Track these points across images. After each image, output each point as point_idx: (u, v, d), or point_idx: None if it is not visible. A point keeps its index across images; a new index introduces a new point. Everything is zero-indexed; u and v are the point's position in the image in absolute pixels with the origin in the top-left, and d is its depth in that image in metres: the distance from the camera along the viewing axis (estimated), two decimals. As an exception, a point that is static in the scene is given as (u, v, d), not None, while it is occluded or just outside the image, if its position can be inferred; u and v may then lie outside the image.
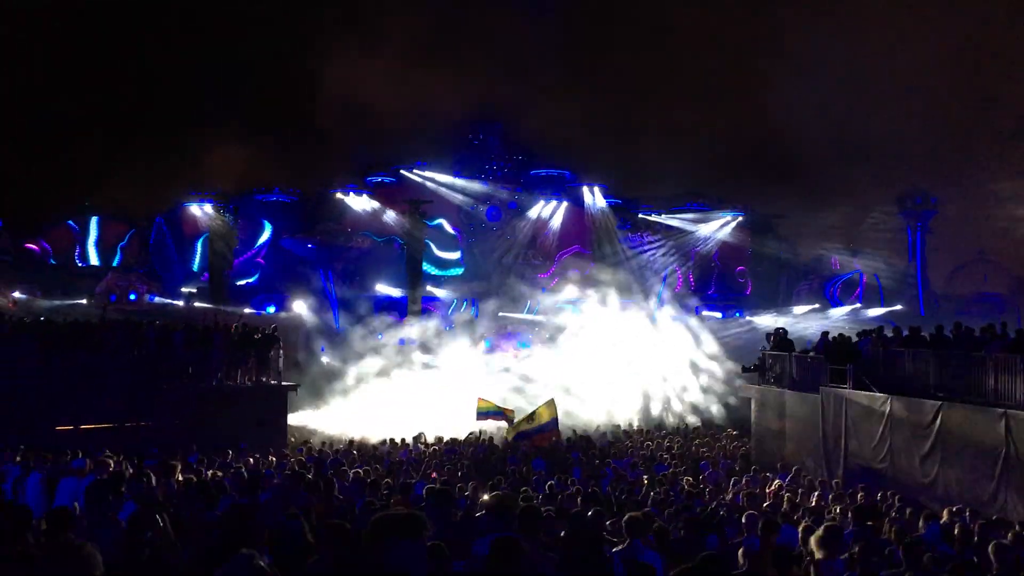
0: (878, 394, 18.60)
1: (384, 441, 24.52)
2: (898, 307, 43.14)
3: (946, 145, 41.44)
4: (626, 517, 7.36)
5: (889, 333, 21.56)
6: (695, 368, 37.16)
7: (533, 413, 21.89)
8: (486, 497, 9.93)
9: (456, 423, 26.72)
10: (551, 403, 21.78)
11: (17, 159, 41.43)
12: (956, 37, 39.42)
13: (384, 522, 3.36)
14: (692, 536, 8.85)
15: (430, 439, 24.68)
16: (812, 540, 7.38)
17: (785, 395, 23.15)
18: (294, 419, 28.51)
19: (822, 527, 7.49)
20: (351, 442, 25.15)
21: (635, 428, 32.37)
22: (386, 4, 46.74)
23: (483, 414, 23.32)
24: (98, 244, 41.31)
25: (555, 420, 21.05)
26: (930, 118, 41.11)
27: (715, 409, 35.18)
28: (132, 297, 35.77)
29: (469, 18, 47.81)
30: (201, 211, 40.20)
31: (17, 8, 40.83)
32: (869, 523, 9.58)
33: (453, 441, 23.88)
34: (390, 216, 44.40)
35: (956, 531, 10.20)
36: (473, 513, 8.61)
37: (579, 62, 47.98)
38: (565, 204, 46.53)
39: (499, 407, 23.58)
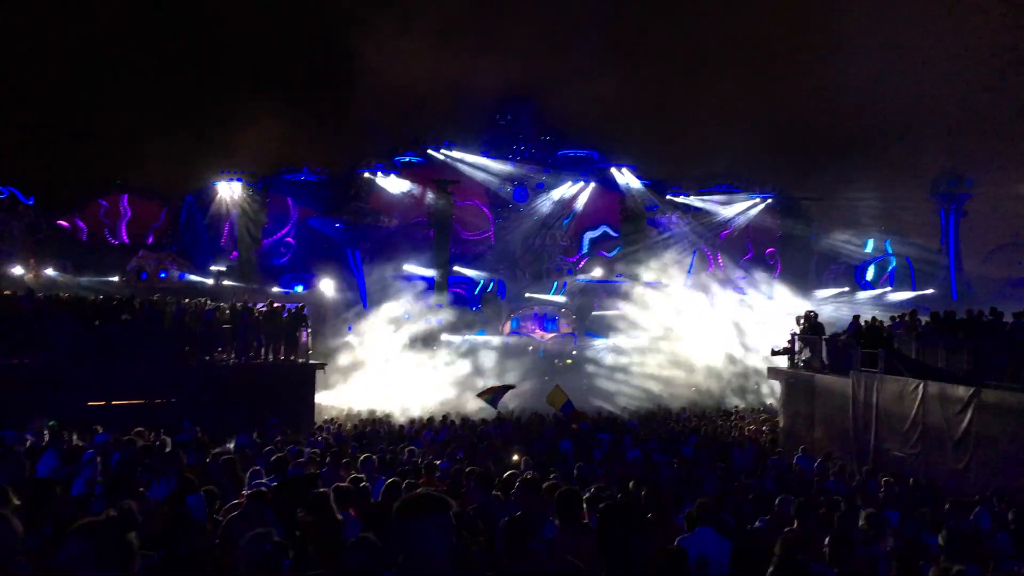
0: (910, 379, 18.35)
1: (412, 420, 24.65)
2: (930, 291, 42.60)
3: (982, 127, 40.71)
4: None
5: (923, 318, 21.26)
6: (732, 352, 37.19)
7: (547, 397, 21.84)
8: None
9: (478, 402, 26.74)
10: (557, 389, 21.51)
11: (49, 137, 41.84)
12: (998, 22, 38.63)
13: (409, 503, 3.38)
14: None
15: (455, 418, 24.74)
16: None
17: (815, 379, 22.91)
18: (322, 397, 28.69)
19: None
20: (375, 420, 25.32)
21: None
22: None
23: (492, 401, 23.08)
24: (129, 222, 41.66)
25: (569, 404, 20.86)
26: (967, 100, 40.41)
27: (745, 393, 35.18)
28: (162, 275, 36.08)
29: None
30: (231, 190, 40.39)
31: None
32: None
33: (482, 422, 23.89)
34: (418, 196, 44.42)
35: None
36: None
37: (617, 37, 47.61)
38: (593, 185, 46.26)
39: (497, 387, 23.31)
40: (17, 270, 32.77)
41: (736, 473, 15.09)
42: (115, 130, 41.48)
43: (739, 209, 45.80)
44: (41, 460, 9.38)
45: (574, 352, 42.19)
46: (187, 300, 26.80)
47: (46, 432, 10.53)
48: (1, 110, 39.65)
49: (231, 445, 15.13)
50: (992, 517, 10.96)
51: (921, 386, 17.79)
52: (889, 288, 44.45)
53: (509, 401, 24.46)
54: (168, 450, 10.52)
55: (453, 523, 3.30)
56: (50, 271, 34.23)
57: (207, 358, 23.54)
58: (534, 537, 5.65)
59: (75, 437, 13.23)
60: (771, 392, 33.04)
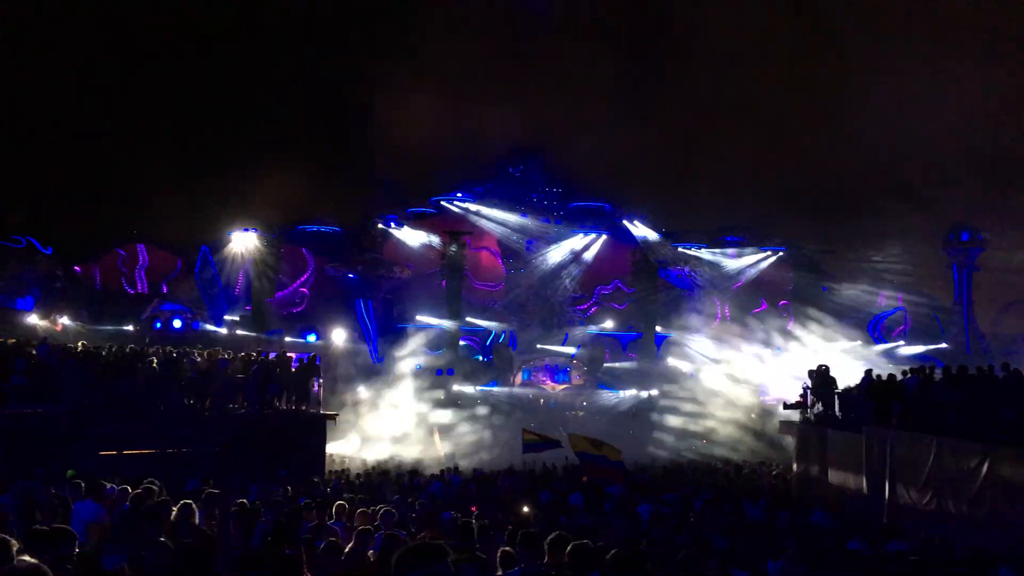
0: (924, 434, 18.23)
1: (417, 472, 24.57)
2: (943, 345, 42.39)
3: (994, 182, 40.79)
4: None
5: (936, 373, 21.16)
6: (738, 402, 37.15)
7: (602, 443, 21.73)
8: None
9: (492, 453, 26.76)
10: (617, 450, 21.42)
11: (68, 186, 42.39)
12: (1005, 80, 38.94)
13: (408, 553, 3.49)
14: None
15: (465, 467, 24.67)
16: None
17: (827, 433, 22.76)
18: (333, 447, 28.65)
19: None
20: (385, 472, 25.24)
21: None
22: (436, 30, 47.16)
23: (529, 446, 23.07)
24: (145, 271, 42.01)
25: (621, 464, 20.69)
26: (977, 155, 40.58)
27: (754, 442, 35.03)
28: (177, 324, 36.25)
29: (522, 43, 48.02)
30: (245, 240, 40.73)
31: (71, 39, 42.03)
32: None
33: (492, 473, 23.78)
34: (430, 247, 44.75)
35: None
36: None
37: (630, 90, 47.97)
38: (604, 237, 46.52)
39: (547, 437, 23.28)
40: (33, 319, 33.01)
41: (749, 528, 14.95)
42: (132, 181, 42.02)
43: (751, 261, 45.92)
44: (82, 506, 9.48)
45: (585, 404, 42.07)
46: (201, 350, 26.94)
47: (81, 483, 10.60)
48: (19, 159, 40.24)
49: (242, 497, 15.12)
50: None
51: (935, 441, 17.67)
52: (902, 342, 44.25)
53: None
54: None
55: (452, 571, 3.37)
56: (65, 320, 34.45)
57: (220, 408, 23.59)
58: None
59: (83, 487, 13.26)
60: (787, 445, 32.89)
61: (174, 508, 9.10)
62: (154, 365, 23.11)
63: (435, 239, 44.53)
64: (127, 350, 24.42)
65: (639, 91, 49.14)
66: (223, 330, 37.99)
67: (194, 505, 9.12)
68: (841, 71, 43.85)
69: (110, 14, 43.32)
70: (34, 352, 21.99)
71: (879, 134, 42.45)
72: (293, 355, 26.05)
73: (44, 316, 33.44)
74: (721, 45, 44.47)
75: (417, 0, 49.74)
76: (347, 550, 8.24)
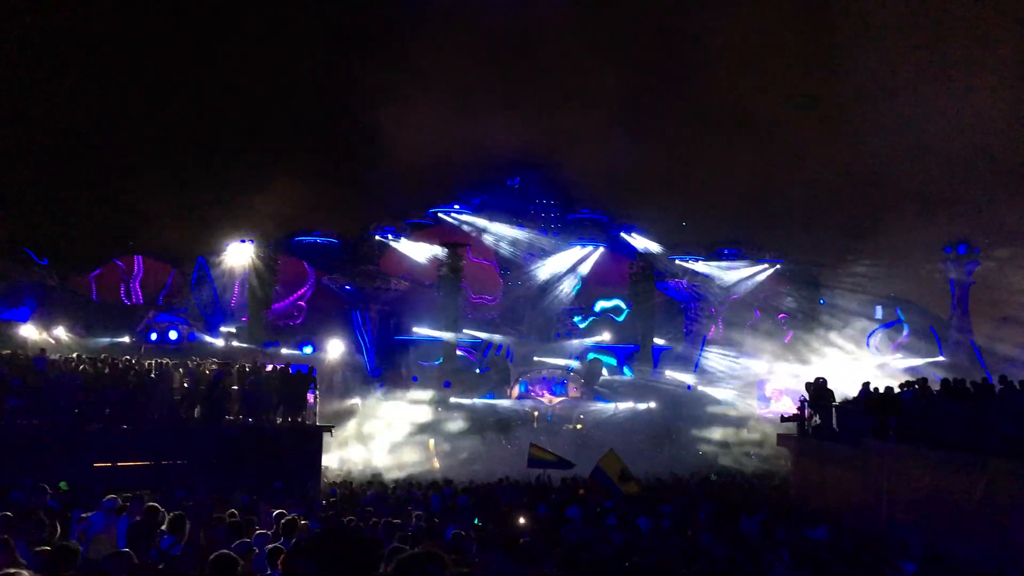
0: (921, 448, 18.20)
1: (413, 483, 24.49)
2: (940, 358, 42.39)
3: (992, 194, 40.95)
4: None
5: (934, 385, 21.12)
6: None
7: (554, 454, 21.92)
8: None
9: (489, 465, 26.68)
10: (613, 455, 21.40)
11: (65, 198, 42.44)
12: (1007, 95, 39.13)
13: (406, 561, 3.55)
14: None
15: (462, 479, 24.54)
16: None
17: (825, 446, 22.71)
18: (329, 459, 28.54)
19: None
20: (383, 484, 25.13)
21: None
22: (435, 43, 47.45)
23: (536, 462, 23.03)
24: (141, 283, 41.95)
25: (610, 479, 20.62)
26: (975, 168, 40.74)
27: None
28: (172, 336, 36.19)
29: (522, 57, 48.31)
30: (242, 251, 40.66)
31: (73, 52, 42.15)
32: None
33: (487, 485, 23.66)
34: (428, 258, 44.76)
35: None
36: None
37: (628, 104, 48.31)
38: (602, 249, 46.59)
39: (556, 456, 23.17)
40: (28, 330, 32.94)
41: (745, 541, 14.87)
42: (128, 192, 42.16)
43: (748, 274, 45.97)
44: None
45: (582, 416, 41.97)
46: (196, 361, 26.84)
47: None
48: (16, 171, 40.31)
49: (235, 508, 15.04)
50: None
51: (931, 455, 17.64)
52: (899, 355, 44.26)
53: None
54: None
55: None
56: (61, 331, 34.39)
57: (215, 420, 23.49)
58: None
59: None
60: (784, 458, 32.85)
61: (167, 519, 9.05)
62: (151, 376, 23.05)
63: (433, 251, 44.53)
64: (121, 361, 24.32)
65: (640, 103, 49.42)
66: (219, 342, 37.92)
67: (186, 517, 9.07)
68: (843, 85, 44.08)
69: (111, 29, 43.50)
70: (32, 365, 21.87)
71: (879, 148, 42.65)
72: (289, 367, 25.95)
73: (39, 328, 33.37)
74: (724, 58, 44.75)
75: (416, 14, 50.04)
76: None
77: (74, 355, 25.00)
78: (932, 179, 42.13)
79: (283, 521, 10.49)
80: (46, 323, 34.18)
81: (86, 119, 44.91)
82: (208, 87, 45.86)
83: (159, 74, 45.49)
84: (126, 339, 36.21)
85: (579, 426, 41.24)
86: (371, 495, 21.44)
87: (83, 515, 10.22)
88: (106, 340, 35.30)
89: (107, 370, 23.06)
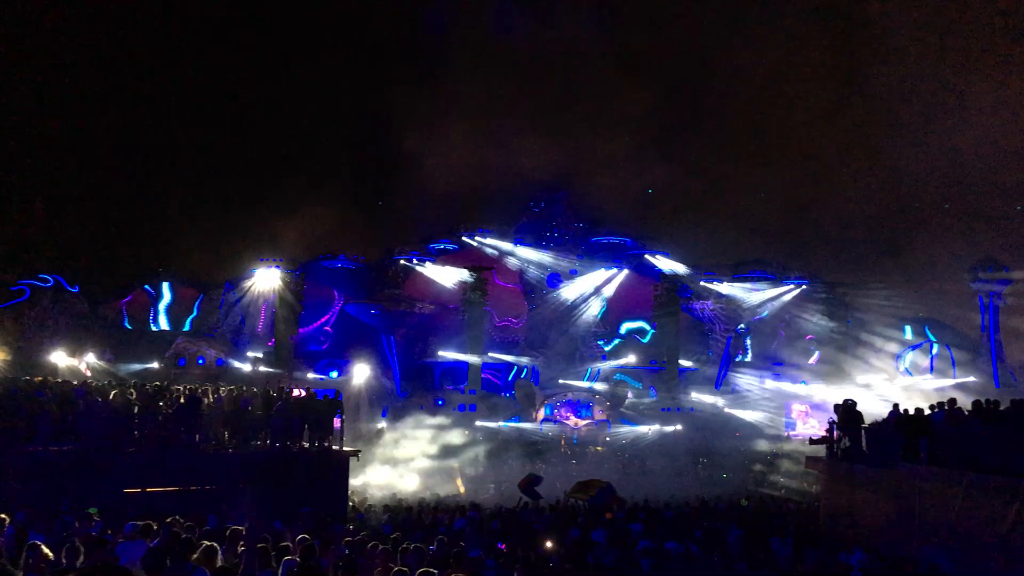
0: (953, 470, 17.94)
1: (439, 507, 24.45)
2: (971, 379, 41.77)
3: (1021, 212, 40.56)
4: None
5: (966, 407, 20.83)
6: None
7: (587, 482, 21.70)
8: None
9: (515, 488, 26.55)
10: (580, 484, 21.46)
11: (94, 226, 43.04)
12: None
13: None
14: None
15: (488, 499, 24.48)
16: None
17: (855, 469, 22.44)
18: (355, 483, 28.58)
19: None
20: (409, 509, 25.10)
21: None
22: (463, 68, 47.81)
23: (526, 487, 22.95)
24: (169, 309, 42.36)
25: (603, 493, 20.57)
26: (1005, 185, 40.37)
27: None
28: (200, 361, 36.51)
29: (549, 80, 48.43)
30: (269, 276, 40.95)
31: (101, 78, 42.91)
32: None
33: (513, 510, 23.57)
34: (453, 282, 44.91)
35: None
36: None
37: (653, 128, 48.29)
38: (626, 271, 46.54)
39: (596, 489, 22.87)
40: (60, 357, 33.33)
41: (776, 566, 14.75)
42: (157, 219, 42.74)
43: (773, 294, 45.69)
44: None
45: (607, 439, 41.74)
46: (224, 386, 27.03)
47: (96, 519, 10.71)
48: (47, 200, 40.97)
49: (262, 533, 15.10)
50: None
51: (964, 478, 17.39)
52: (929, 375, 43.70)
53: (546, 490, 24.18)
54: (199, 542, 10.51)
55: None
56: (91, 358, 34.78)
57: (242, 445, 23.62)
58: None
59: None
60: (812, 479, 32.49)
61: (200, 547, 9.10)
62: (182, 401, 23.24)
63: (458, 274, 44.67)
64: (151, 387, 24.55)
65: (667, 125, 49.51)
66: (246, 367, 38.17)
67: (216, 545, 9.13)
68: (870, 102, 43.87)
69: (141, 58, 44.28)
70: (72, 394, 21.99)
71: (906, 165, 42.37)
72: (316, 391, 26.07)
73: (70, 354, 33.79)
74: (751, 79, 44.74)
75: (446, 39, 50.55)
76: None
77: (105, 381, 25.26)
78: (961, 195, 41.74)
79: (304, 547, 10.55)
80: (76, 350, 34.59)
81: (114, 147, 45.63)
82: (233, 114, 46.45)
83: (185, 102, 46.15)
84: (155, 365, 36.55)
85: (600, 448, 41.01)
86: (398, 520, 21.45)
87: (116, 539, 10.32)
88: (136, 366, 35.67)
89: (137, 396, 23.27)
